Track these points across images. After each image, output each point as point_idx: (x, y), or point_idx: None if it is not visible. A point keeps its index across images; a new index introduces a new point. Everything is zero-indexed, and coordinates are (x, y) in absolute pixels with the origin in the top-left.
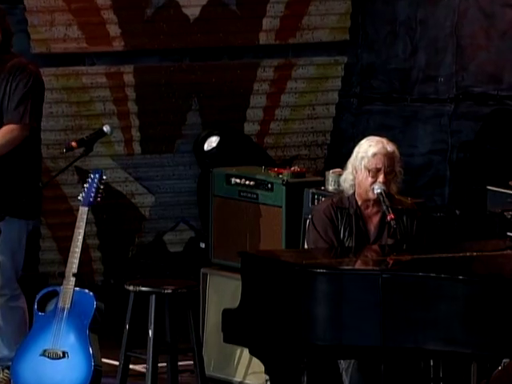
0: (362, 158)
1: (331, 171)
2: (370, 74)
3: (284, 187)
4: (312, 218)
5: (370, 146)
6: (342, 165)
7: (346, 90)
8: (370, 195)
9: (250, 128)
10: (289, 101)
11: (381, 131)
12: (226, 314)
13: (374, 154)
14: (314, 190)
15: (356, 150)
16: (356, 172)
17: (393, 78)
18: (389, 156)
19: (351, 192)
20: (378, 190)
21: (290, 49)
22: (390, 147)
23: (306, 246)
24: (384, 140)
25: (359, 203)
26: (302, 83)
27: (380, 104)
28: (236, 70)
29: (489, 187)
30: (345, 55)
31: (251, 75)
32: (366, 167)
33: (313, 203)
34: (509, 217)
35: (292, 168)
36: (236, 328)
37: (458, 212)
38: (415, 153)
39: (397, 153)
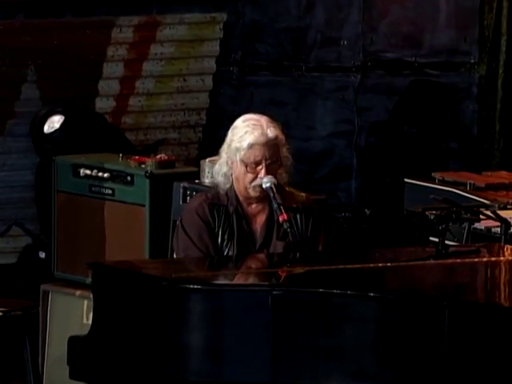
0: (237, 149)
1: (208, 160)
2: (254, 36)
3: (147, 180)
4: (181, 219)
5: (245, 132)
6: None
7: (225, 57)
8: (251, 193)
9: (104, 104)
10: (153, 70)
11: (269, 108)
12: (74, 342)
13: (251, 146)
14: (185, 184)
15: (229, 135)
16: (232, 163)
17: (283, 40)
18: (270, 144)
19: (228, 186)
20: (268, 184)
21: (154, 3)
22: (272, 132)
23: (175, 255)
24: (263, 121)
25: (240, 199)
26: (170, 47)
27: (267, 74)
28: (84, 29)
29: (406, 180)
30: (223, 12)
31: (104, 37)
32: (242, 161)
33: (184, 200)
34: (431, 217)
35: (158, 156)
36: (86, 361)
37: (367, 211)
38: (313, 136)
39: (281, 136)
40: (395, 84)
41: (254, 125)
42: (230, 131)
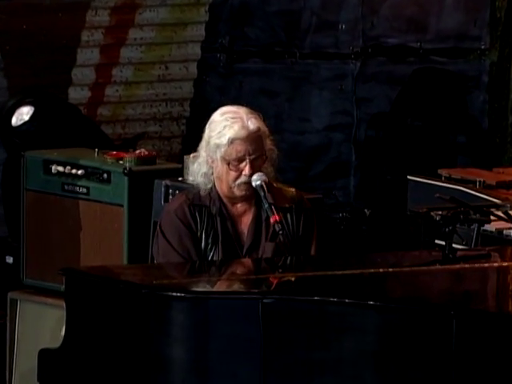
0: (217, 146)
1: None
2: (243, 19)
3: (126, 178)
4: (160, 222)
5: (224, 126)
6: None
7: (211, 42)
8: (236, 192)
9: (78, 94)
10: (131, 56)
11: (259, 99)
12: (45, 355)
13: (232, 141)
14: (168, 182)
15: (207, 131)
16: (212, 161)
17: (275, 24)
18: (252, 138)
19: (209, 186)
20: (258, 183)
21: None
22: (253, 124)
23: (156, 261)
24: (243, 113)
25: (224, 199)
26: (150, 32)
27: (258, 61)
28: (56, 12)
29: (410, 177)
30: None
31: (78, 20)
32: (223, 158)
33: (166, 200)
34: (437, 218)
35: (137, 151)
36: (58, 375)
37: (367, 212)
38: (308, 129)
39: (263, 128)
40: (398, 72)
41: (232, 118)
42: (207, 127)
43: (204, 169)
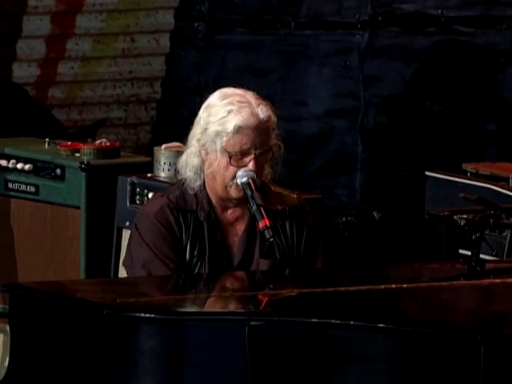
0: (218, 134)
1: (164, 146)
2: None
3: (83, 174)
4: (137, 226)
5: (228, 112)
6: (183, 137)
7: (187, 9)
8: (233, 193)
9: (24, 72)
10: (90, 26)
11: (246, 78)
12: None
13: (238, 129)
14: (134, 179)
15: (203, 116)
16: (207, 153)
17: None
18: (261, 128)
19: (198, 184)
20: (244, 179)
21: None
22: (263, 112)
23: (122, 274)
24: (250, 97)
25: (213, 201)
26: None
27: (244, 32)
28: None
29: (428, 173)
30: None
31: None
32: (224, 150)
33: (133, 201)
34: (462, 223)
35: (97, 141)
36: None
37: (376, 215)
38: (305, 115)
39: (273, 118)
40: (414, 45)
41: (239, 102)
42: (203, 111)
43: (195, 162)
